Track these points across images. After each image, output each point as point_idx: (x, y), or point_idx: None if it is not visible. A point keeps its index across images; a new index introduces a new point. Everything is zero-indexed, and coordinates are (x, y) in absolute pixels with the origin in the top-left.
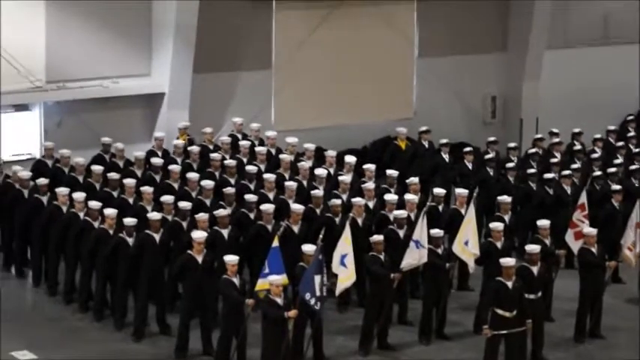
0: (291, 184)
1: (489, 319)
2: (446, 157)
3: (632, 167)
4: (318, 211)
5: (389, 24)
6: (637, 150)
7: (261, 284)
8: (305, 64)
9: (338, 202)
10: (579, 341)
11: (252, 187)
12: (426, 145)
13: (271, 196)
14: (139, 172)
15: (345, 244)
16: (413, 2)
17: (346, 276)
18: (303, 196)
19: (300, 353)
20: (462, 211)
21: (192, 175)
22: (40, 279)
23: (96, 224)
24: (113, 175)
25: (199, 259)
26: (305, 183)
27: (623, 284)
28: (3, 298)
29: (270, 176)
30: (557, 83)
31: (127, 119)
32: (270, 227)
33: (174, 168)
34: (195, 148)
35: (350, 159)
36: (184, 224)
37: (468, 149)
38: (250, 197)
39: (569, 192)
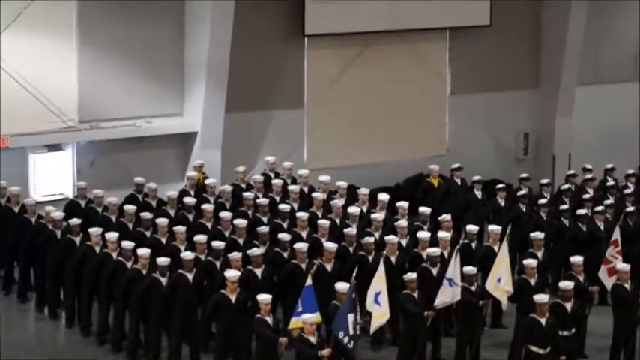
0: (324, 223)
1: (523, 356)
2: (478, 194)
3: None
4: (351, 249)
5: (421, 61)
6: None
7: (295, 323)
8: (337, 102)
9: (371, 239)
10: None
11: (285, 225)
12: (459, 183)
13: (304, 234)
14: (171, 212)
15: (378, 282)
16: (445, 40)
17: (380, 314)
18: (336, 235)
19: None
20: (495, 248)
21: (225, 215)
22: (74, 320)
23: (129, 264)
24: (146, 215)
25: (233, 298)
26: (338, 221)
27: None
28: (37, 339)
29: (302, 215)
30: (589, 119)
31: (159, 159)
32: (303, 266)
33: (208, 207)
34: (227, 188)
35: (383, 197)
36: (218, 263)
37: (500, 186)
38: (283, 236)
39: (602, 228)
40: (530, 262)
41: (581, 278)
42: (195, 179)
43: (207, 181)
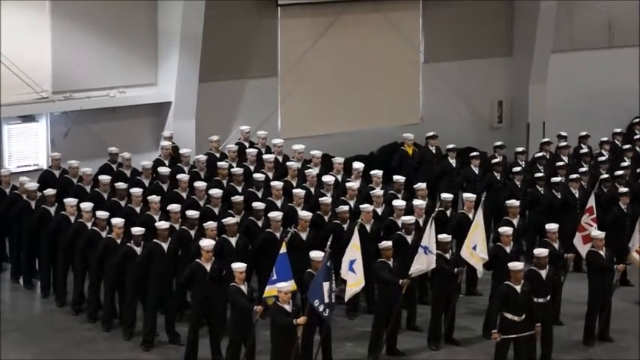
0: (298, 192)
1: (498, 324)
2: (453, 162)
3: None
4: (326, 217)
5: (394, 30)
6: None
7: (269, 291)
8: (311, 71)
9: (346, 208)
10: (588, 344)
11: (259, 194)
12: (433, 151)
13: (279, 203)
14: (146, 182)
15: (353, 250)
16: (418, 8)
17: (355, 281)
18: (310, 204)
19: None
20: (470, 215)
21: (200, 184)
22: (49, 289)
23: (104, 234)
24: (120, 185)
25: (207, 267)
26: (312, 190)
27: (631, 287)
28: (12, 309)
29: (277, 184)
30: (564, 87)
31: (133, 128)
32: (278, 234)
33: (182, 177)
34: (202, 157)
35: (357, 165)
36: (192, 233)
37: (474, 154)
38: (258, 205)
39: (576, 195)
40: (506, 230)
41: (556, 245)
42: (169, 148)
43: (181, 151)
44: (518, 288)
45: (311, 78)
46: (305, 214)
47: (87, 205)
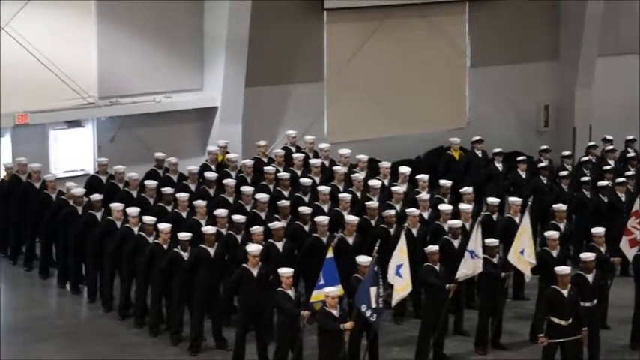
0: (345, 196)
1: (545, 328)
2: (499, 166)
3: None
4: (372, 222)
5: (440, 34)
6: None
7: (317, 296)
8: (357, 75)
9: (392, 212)
10: (635, 348)
11: (306, 199)
12: (480, 155)
13: (326, 208)
14: (192, 187)
15: (400, 255)
16: (464, 13)
17: (402, 286)
18: (357, 208)
19: None
20: (516, 219)
21: (247, 189)
22: (96, 294)
23: (150, 239)
24: (167, 190)
25: (254, 272)
26: (359, 194)
27: None
28: (59, 314)
29: (324, 188)
30: (610, 90)
31: (179, 134)
32: (324, 239)
33: (229, 182)
34: (248, 162)
35: (404, 170)
36: (239, 237)
37: (521, 158)
38: (305, 209)
39: (623, 199)
40: (552, 234)
41: (602, 249)
42: (217, 159)
43: (228, 156)
44: (565, 292)
45: (357, 82)
46: (352, 219)
47: (134, 211)
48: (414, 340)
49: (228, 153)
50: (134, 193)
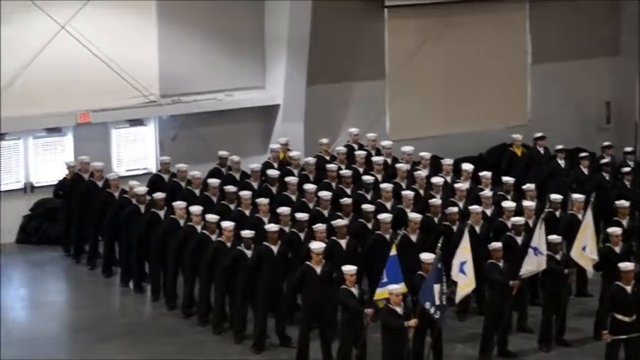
0: (408, 193)
1: (609, 325)
2: (562, 162)
3: None
4: (435, 219)
5: (501, 31)
6: None
7: (380, 293)
8: (418, 72)
9: (455, 210)
10: None
11: (369, 196)
12: (542, 152)
13: (388, 205)
14: (255, 185)
15: (463, 252)
16: (525, 9)
17: (465, 283)
18: (420, 205)
19: None
20: (579, 216)
21: (309, 187)
22: (159, 293)
23: (213, 237)
24: (230, 188)
25: (318, 269)
26: (422, 192)
27: None
28: (122, 313)
29: (387, 186)
30: None
31: (242, 132)
32: (388, 237)
33: (291, 179)
34: (311, 160)
35: (467, 166)
36: (302, 235)
37: (583, 154)
38: (368, 207)
39: None
40: (615, 230)
41: None
42: (279, 156)
43: (290, 154)
44: (628, 289)
45: (419, 79)
46: (414, 216)
47: (196, 209)
48: (478, 337)
49: (289, 150)
50: (197, 192)
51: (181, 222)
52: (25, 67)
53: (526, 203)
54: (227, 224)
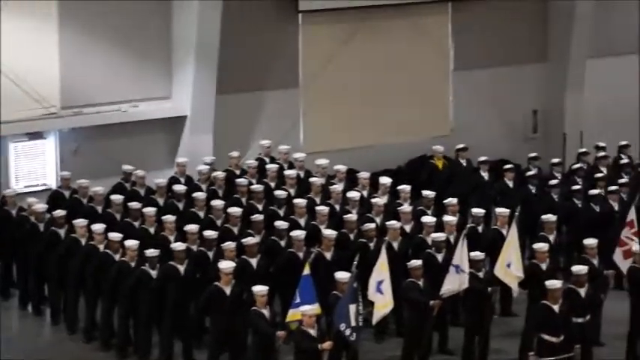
0: (322, 209)
1: (535, 346)
2: (485, 175)
3: None
4: (351, 236)
5: (422, 36)
6: None
7: (293, 315)
8: (334, 81)
9: (372, 226)
10: None
11: (281, 212)
12: (464, 164)
13: (302, 221)
14: (160, 201)
15: (380, 270)
16: (447, 13)
17: (383, 303)
18: (335, 221)
19: None
20: (504, 231)
21: (218, 203)
22: (59, 317)
23: (117, 257)
24: (134, 205)
25: (227, 290)
26: (337, 207)
27: None
28: (20, 338)
29: (300, 201)
30: (602, 94)
31: (147, 145)
32: (301, 255)
33: (199, 195)
34: (220, 174)
35: (384, 180)
36: (210, 254)
37: (508, 166)
38: (280, 224)
39: (616, 208)
40: (542, 246)
41: (595, 262)
42: (184, 165)
43: (198, 168)
44: (556, 307)
45: (334, 88)
46: (329, 233)
47: (99, 227)
48: None
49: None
50: (99, 209)
51: (83, 241)
52: None
53: (447, 218)
54: (131, 243)
